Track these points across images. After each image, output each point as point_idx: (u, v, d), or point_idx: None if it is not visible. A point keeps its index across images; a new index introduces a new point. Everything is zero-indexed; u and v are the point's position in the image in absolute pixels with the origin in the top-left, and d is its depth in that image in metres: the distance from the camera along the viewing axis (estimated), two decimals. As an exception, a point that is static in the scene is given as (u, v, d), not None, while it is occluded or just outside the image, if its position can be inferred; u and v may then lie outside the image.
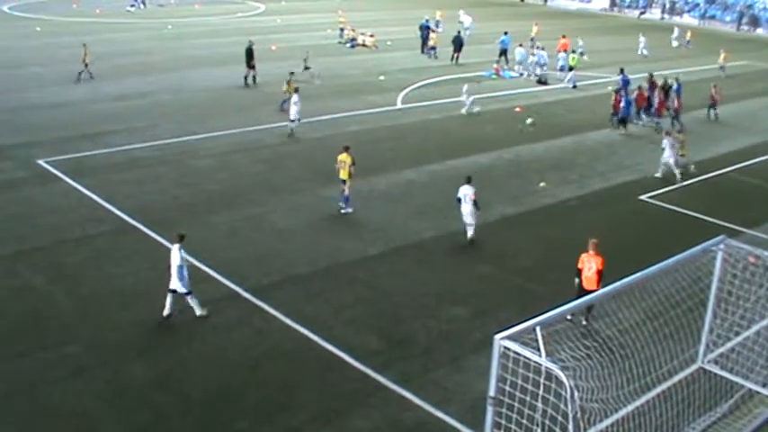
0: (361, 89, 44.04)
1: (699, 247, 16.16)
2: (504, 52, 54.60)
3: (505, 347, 11.87)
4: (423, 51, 58.07)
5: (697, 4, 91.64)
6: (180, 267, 18.44)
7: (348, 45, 60.54)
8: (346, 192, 26.09)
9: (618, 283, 14.20)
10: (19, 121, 35.52)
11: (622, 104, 38.68)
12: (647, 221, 27.01)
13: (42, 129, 34.25)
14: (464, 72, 50.88)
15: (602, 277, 18.27)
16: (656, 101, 40.16)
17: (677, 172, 30.96)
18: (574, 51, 51.52)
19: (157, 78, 45.72)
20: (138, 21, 69.90)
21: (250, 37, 48.39)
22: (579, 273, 18.89)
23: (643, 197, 29.03)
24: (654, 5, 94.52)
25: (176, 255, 18.48)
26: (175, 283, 18.59)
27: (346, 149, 26.14)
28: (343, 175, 25.96)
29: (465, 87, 41.31)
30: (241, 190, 27.93)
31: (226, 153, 32.10)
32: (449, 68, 52.29)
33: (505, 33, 55.67)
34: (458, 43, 55.11)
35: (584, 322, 18.83)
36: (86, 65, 44.23)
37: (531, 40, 61.94)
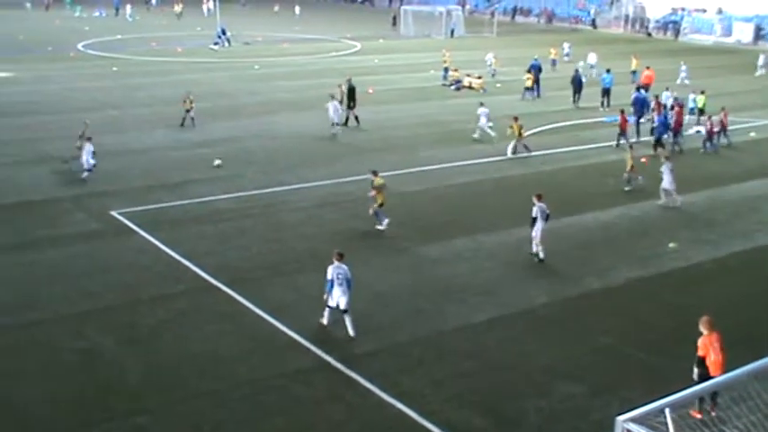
0: (466, 137, 44.16)
1: None
2: (606, 92, 54.08)
3: (629, 431, 11.72)
4: (534, 95, 58.04)
5: None
6: (350, 281, 21.11)
7: (453, 87, 61.13)
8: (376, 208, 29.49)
9: (762, 361, 13.87)
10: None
11: (656, 124, 42.62)
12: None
13: (118, 178, 35.39)
14: (584, 118, 50.71)
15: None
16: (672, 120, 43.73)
17: (676, 197, 33.31)
18: (703, 92, 50.43)
19: (243, 123, 46.96)
20: (221, 60, 71.93)
21: (348, 76, 49.22)
22: (702, 361, 17.80)
23: (792, 261, 28.32)
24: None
25: (342, 270, 21.09)
26: (342, 299, 21.08)
27: (375, 174, 29.70)
28: (382, 198, 29.29)
29: (482, 110, 43.71)
30: (333, 248, 28.04)
31: (317, 206, 32.56)
32: (567, 113, 52.14)
33: (608, 71, 55.30)
34: (577, 83, 54.78)
35: (713, 413, 18.09)
36: (187, 111, 45.28)
37: (633, 73, 61.66)
